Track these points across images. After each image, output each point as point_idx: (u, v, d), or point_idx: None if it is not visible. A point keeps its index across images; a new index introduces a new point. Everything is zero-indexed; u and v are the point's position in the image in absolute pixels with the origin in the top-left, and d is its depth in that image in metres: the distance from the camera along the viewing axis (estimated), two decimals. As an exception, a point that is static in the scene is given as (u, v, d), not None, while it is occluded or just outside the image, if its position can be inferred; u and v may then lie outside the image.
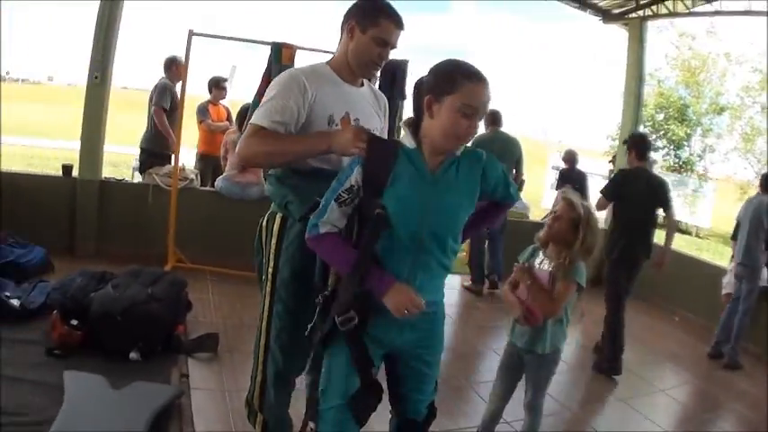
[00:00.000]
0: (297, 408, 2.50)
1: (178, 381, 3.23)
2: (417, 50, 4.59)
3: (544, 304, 2.57)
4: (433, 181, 1.82)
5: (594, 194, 4.99)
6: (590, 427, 3.61)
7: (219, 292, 4.77)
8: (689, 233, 16.17)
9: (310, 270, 2.02)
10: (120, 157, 10.67)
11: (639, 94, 7.23)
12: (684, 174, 17.95)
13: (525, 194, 7.96)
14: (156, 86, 5.86)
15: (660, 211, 4.51)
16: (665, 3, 6.73)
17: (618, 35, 7.53)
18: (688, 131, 18.44)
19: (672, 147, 18.59)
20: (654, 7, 6.82)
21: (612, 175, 5.98)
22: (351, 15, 2.20)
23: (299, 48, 3.95)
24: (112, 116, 5.46)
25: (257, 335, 2.40)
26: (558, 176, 9.05)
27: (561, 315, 2.63)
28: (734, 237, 5.29)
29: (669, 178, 15.40)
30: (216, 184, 5.54)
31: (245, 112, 4.23)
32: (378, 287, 1.78)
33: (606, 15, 7.25)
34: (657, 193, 4.44)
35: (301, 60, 3.78)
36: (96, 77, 5.11)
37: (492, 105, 1.87)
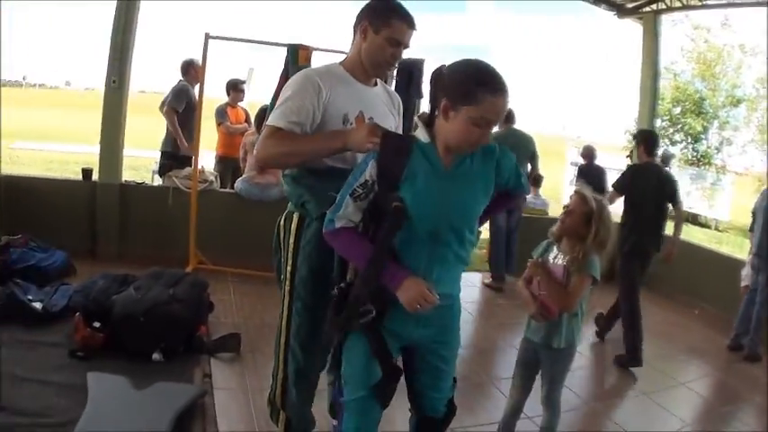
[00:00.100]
0: (321, 406, 2.52)
1: (201, 381, 3.26)
2: (435, 49, 4.61)
3: (559, 299, 2.57)
4: (448, 175, 1.83)
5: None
6: (611, 421, 3.60)
7: (241, 293, 4.81)
8: (708, 226, 15.97)
9: (328, 268, 2.05)
10: (140, 161, 10.77)
11: (655, 87, 7.19)
12: (702, 167, 17.70)
13: (544, 191, 7.93)
14: (172, 89, 5.92)
15: (670, 206, 4.59)
16: (678, -5, 6.67)
17: (633, 29, 7.52)
18: (705, 124, 18.19)
19: (689, 140, 18.36)
20: (667, 0, 6.78)
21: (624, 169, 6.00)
22: (363, 16, 2.22)
23: (316, 49, 3.97)
24: (130, 120, 5.51)
25: (277, 333, 2.43)
26: (576, 172, 8.98)
27: (576, 309, 2.62)
28: (752, 228, 5.26)
29: (687, 172, 15.47)
30: (235, 185, 5.58)
31: (263, 114, 4.24)
32: (391, 281, 1.79)
33: (620, 10, 7.22)
34: (666, 188, 4.52)
35: (318, 61, 3.81)
36: (114, 81, 5.16)
37: (509, 103, 1.85)
